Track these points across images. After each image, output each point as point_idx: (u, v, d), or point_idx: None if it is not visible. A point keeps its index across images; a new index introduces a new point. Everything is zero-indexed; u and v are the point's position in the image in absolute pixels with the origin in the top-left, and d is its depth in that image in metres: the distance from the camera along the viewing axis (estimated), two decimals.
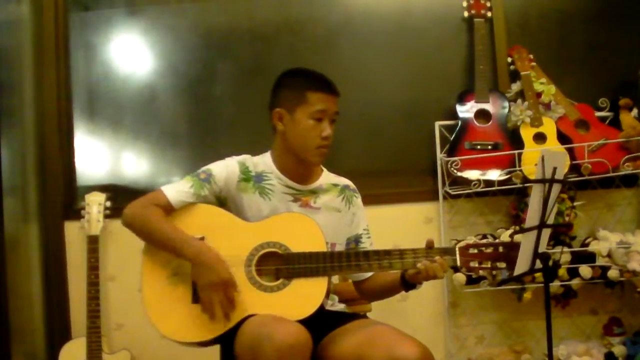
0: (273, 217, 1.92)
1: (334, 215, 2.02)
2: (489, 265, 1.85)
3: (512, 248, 1.84)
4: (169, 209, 1.91)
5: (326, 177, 2.08)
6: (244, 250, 1.87)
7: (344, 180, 2.12)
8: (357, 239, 2.09)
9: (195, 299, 1.85)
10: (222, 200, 1.98)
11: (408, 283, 1.89)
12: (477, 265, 1.85)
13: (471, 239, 1.88)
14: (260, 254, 1.87)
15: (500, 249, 1.85)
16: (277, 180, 1.99)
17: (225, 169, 1.98)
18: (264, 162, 2.02)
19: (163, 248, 1.88)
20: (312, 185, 2.03)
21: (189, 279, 1.86)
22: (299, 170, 2.00)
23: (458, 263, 1.84)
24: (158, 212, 1.89)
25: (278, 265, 1.86)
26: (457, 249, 1.85)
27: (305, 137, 1.93)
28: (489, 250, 1.85)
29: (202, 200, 1.94)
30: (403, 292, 1.96)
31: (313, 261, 1.83)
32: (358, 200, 2.12)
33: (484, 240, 1.86)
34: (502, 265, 1.84)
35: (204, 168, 1.98)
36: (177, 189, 1.92)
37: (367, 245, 2.09)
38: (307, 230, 1.88)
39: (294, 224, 1.90)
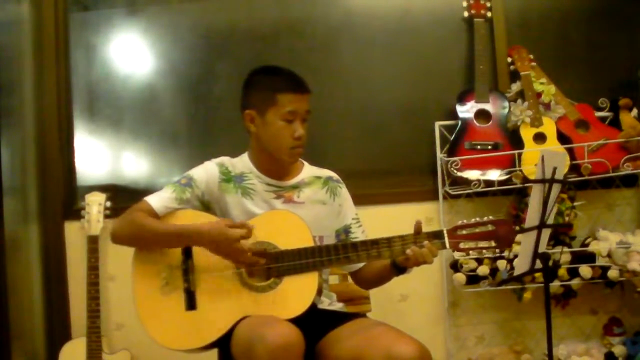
0: (258, 216, 1.93)
1: (319, 207, 2.02)
2: (479, 245, 1.83)
3: (501, 225, 1.82)
4: (154, 217, 1.92)
5: (308, 171, 2.08)
6: None
7: (326, 172, 2.12)
8: (346, 230, 2.09)
9: (189, 306, 1.86)
10: (206, 204, 1.98)
11: (399, 267, 1.88)
12: (466, 246, 1.83)
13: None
14: None
15: (489, 227, 1.82)
16: (257, 180, 2.00)
17: (204, 172, 1.99)
18: (242, 162, 2.03)
19: (160, 245, 1.89)
20: (293, 180, 2.03)
21: (181, 287, 1.87)
22: (277, 168, 2.01)
23: (447, 246, 1.82)
24: (145, 215, 1.90)
25: (268, 264, 1.86)
26: (445, 231, 1.83)
27: (278, 138, 1.94)
28: (478, 229, 1.82)
29: (186, 205, 1.95)
30: (402, 293, 1.97)
31: (302, 257, 1.84)
32: (343, 190, 2.11)
33: (472, 220, 1.84)
34: (492, 243, 1.82)
35: (184, 174, 2.01)
36: (159, 196, 1.95)
37: (358, 234, 2.08)
38: (293, 226, 1.88)
39: (279, 222, 1.90)
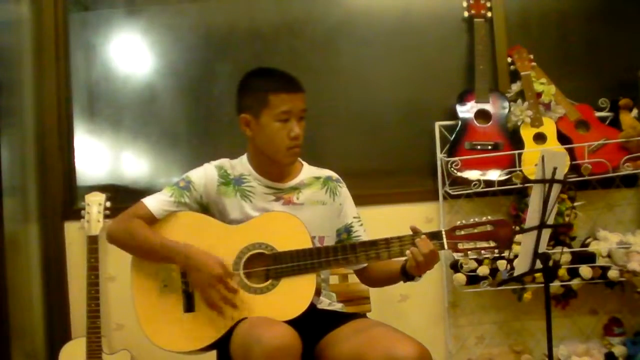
0: (256, 218, 1.92)
1: (319, 208, 2.02)
2: (477, 246, 1.80)
3: (501, 225, 1.80)
4: (152, 220, 1.92)
5: (307, 171, 2.07)
6: (230, 254, 1.87)
7: (325, 172, 2.11)
8: (347, 229, 2.08)
9: (187, 308, 1.87)
10: (204, 207, 1.98)
11: (407, 274, 1.87)
12: (465, 246, 1.80)
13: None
14: (247, 256, 1.87)
15: (489, 227, 1.80)
16: (256, 182, 1.99)
17: (203, 174, 1.99)
18: (241, 164, 2.03)
19: (150, 258, 1.89)
20: (292, 181, 2.03)
21: (179, 289, 1.88)
22: (275, 170, 2.00)
23: (446, 246, 1.80)
24: (141, 224, 1.90)
25: (266, 266, 1.86)
26: (443, 231, 1.81)
27: (274, 140, 1.92)
28: (477, 230, 1.80)
29: (183, 208, 1.95)
30: (402, 293, 1.96)
31: (300, 259, 1.84)
32: (343, 189, 2.11)
33: (471, 220, 1.82)
34: (492, 244, 1.80)
35: (182, 176, 2.00)
36: (157, 199, 1.94)
37: (360, 233, 2.08)
38: (291, 228, 1.88)
39: (277, 223, 1.90)
